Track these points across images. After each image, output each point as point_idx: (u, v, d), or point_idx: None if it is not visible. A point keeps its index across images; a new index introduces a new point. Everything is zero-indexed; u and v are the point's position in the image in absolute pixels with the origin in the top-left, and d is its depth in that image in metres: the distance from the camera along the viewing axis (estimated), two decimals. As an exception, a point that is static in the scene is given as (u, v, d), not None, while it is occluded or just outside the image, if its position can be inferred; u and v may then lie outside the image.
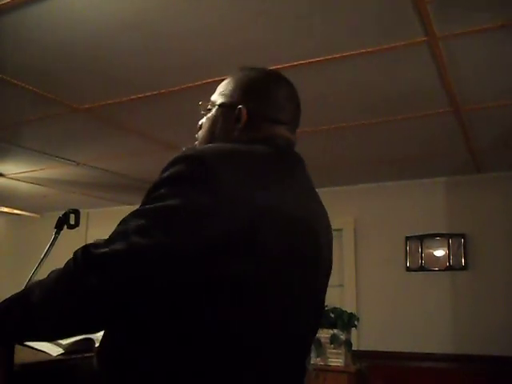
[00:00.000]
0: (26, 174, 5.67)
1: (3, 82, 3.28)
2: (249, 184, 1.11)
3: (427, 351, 5.32)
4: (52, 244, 1.60)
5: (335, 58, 2.95)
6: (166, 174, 1.12)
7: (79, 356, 1.38)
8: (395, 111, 3.78)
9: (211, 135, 1.36)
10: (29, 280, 1.55)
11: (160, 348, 1.05)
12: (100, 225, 6.14)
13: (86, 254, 1.02)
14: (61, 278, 1.05)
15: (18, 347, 1.22)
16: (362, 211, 5.95)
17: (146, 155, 4.91)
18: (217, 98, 1.40)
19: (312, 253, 1.25)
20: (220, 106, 1.37)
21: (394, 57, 2.93)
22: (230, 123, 1.33)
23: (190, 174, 1.09)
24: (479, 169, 5.30)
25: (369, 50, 2.84)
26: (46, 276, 1.09)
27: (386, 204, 5.87)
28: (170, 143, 4.49)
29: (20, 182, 6.00)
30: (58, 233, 1.62)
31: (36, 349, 1.36)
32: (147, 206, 1.08)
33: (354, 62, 2.99)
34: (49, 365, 1.30)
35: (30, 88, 3.38)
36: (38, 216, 6.65)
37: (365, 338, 5.25)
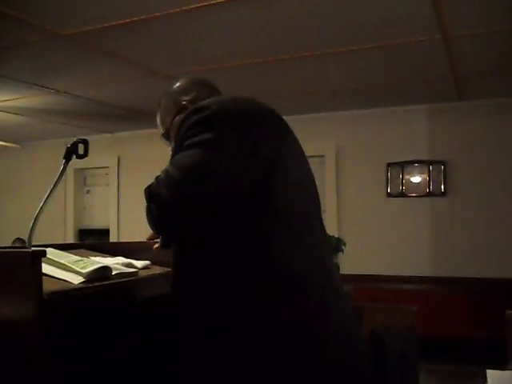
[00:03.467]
0: (2, 104, 5.52)
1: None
2: (246, 117, 1.41)
3: (406, 274, 5.52)
4: (61, 175, 1.58)
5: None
6: (184, 129, 1.39)
7: (99, 284, 1.42)
8: (381, 37, 3.74)
9: None
10: (39, 210, 1.54)
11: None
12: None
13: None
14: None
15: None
16: (344, 138, 5.99)
17: (128, 82, 4.81)
18: (165, 123, 1.71)
19: (307, 167, 1.57)
20: (172, 120, 1.67)
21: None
22: None
23: (203, 118, 1.37)
24: (461, 96, 5.33)
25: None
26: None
27: (368, 131, 5.91)
28: (152, 69, 4.40)
29: (-4, 112, 5.86)
30: (66, 163, 1.59)
31: (58, 278, 1.39)
32: (187, 142, 1.36)
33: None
34: (74, 292, 1.33)
35: (8, 11, 3.22)
36: (18, 146, 6.53)
37: (346, 262, 5.40)
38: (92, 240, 7.35)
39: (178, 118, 1.62)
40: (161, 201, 1.32)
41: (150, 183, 1.39)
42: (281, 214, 1.35)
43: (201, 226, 1.36)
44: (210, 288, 1.34)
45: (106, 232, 7.27)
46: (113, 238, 7.11)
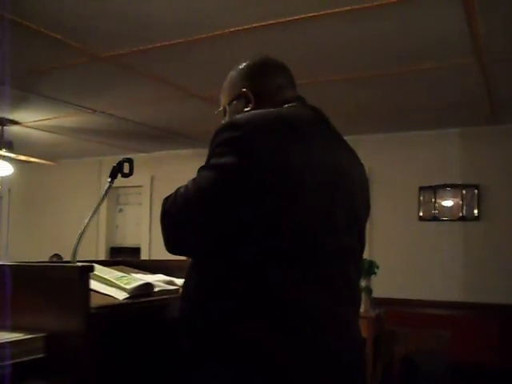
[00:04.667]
0: (41, 123, 5.67)
1: (24, 28, 3.23)
2: (280, 141, 1.31)
3: (439, 299, 5.44)
4: (106, 193, 1.63)
5: (364, 7, 2.91)
6: (216, 142, 1.35)
7: (142, 300, 1.45)
8: (418, 61, 3.76)
9: None
10: (84, 227, 1.59)
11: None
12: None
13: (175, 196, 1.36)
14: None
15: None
16: (377, 160, 5.96)
17: (165, 103, 4.91)
18: (223, 99, 1.61)
19: (345, 197, 1.43)
20: (229, 103, 1.58)
21: (425, 5, 2.90)
22: (244, 108, 1.52)
23: (233, 138, 1.31)
24: (496, 120, 5.30)
25: (400, -2, 2.81)
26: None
27: (401, 154, 5.90)
28: (190, 91, 4.48)
29: (35, 130, 6.00)
30: (111, 182, 1.64)
31: (104, 293, 1.43)
32: (212, 160, 1.34)
33: (382, 11, 2.96)
34: (119, 307, 1.37)
35: (51, 34, 3.33)
36: (54, 164, 6.67)
37: (378, 285, 5.36)
38: (123, 258, 7.43)
39: (235, 102, 1.55)
40: (169, 217, 1.35)
41: (170, 193, 1.39)
42: (285, 254, 1.28)
43: (201, 248, 1.36)
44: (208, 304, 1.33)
45: (137, 250, 7.34)
46: (144, 257, 7.17)
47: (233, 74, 1.60)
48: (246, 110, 1.52)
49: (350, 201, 1.44)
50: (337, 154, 1.46)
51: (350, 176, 1.47)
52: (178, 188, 1.37)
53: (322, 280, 1.33)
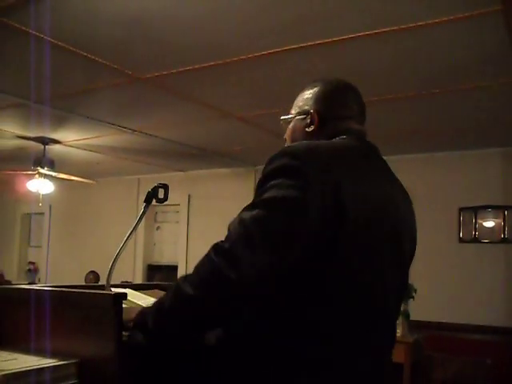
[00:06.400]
0: (81, 142, 5.79)
1: (66, 52, 3.31)
2: (335, 174, 1.30)
3: (479, 323, 5.29)
4: (141, 218, 1.63)
5: (408, 27, 2.88)
6: (270, 168, 1.31)
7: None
8: (459, 81, 3.70)
9: (293, 142, 1.58)
10: (119, 251, 1.59)
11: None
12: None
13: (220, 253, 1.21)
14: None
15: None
16: (417, 181, 5.86)
17: (202, 123, 4.95)
18: (293, 109, 1.64)
19: (393, 234, 1.44)
20: (295, 115, 1.61)
21: (467, 27, 2.86)
22: (306, 127, 1.57)
23: (291, 167, 1.28)
24: (539, 140, 5.17)
25: (443, 19, 2.77)
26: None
27: (440, 174, 5.79)
28: (226, 111, 4.50)
29: (75, 149, 6.12)
30: (146, 207, 1.64)
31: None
32: (260, 199, 1.27)
33: (424, 31, 2.93)
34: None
35: (91, 57, 3.41)
36: (94, 182, 6.79)
37: (416, 308, 5.25)
38: (160, 276, 7.50)
39: (300, 117, 1.58)
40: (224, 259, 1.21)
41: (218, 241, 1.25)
42: (329, 299, 1.27)
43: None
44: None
45: (174, 268, 7.38)
46: (180, 275, 7.20)
47: (308, 91, 1.62)
48: (306, 129, 1.56)
49: (398, 241, 1.45)
50: (388, 191, 1.47)
51: (400, 214, 1.49)
52: (218, 244, 1.23)
53: (363, 324, 1.33)
